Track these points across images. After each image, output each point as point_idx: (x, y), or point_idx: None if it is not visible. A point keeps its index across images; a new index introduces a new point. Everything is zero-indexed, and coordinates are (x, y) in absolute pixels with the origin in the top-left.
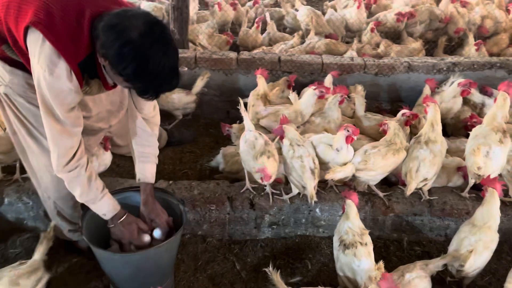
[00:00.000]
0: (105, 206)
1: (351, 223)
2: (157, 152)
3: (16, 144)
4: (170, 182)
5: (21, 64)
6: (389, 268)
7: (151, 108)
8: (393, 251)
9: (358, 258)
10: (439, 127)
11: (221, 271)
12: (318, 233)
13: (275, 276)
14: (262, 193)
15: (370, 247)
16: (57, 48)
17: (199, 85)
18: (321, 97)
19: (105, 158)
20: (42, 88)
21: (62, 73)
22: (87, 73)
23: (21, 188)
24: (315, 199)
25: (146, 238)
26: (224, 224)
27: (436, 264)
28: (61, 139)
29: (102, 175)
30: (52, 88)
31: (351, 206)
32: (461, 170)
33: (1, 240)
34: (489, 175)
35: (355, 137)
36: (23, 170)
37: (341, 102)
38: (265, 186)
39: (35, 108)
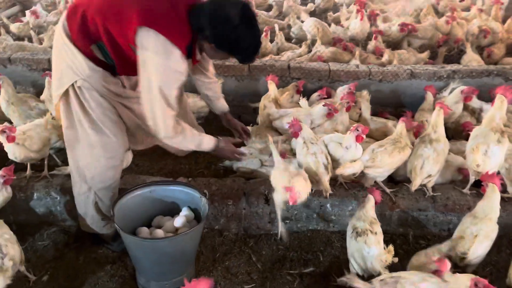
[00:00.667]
0: (209, 141)
1: (365, 211)
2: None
3: (69, 137)
4: (190, 179)
5: (102, 62)
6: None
7: (211, 67)
8: (399, 245)
9: (368, 245)
10: (441, 128)
11: (237, 262)
12: (329, 227)
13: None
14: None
15: (380, 236)
16: (170, 39)
17: None
18: (329, 115)
19: (128, 157)
20: (158, 75)
21: (177, 58)
22: (186, 55)
23: (49, 184)
24: (330, 191)
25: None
26: (240, 218)
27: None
28: (168, 112)
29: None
30: (170, 70)
31: (370, 199)
32: (462, 172)
33: (30, 233)
34: (487, 172)
35: (364, 136)
36: (50, 168)
37: (347, 109)
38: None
39: (106, 102)
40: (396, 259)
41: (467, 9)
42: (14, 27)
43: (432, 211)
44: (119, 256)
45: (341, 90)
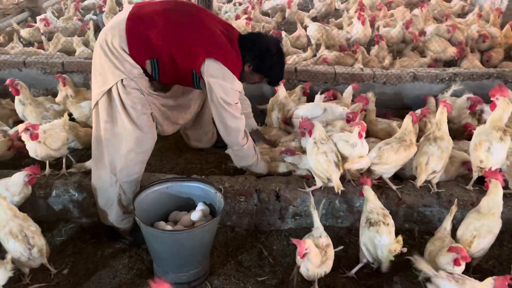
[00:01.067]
0: (263, 165)
1: (372, 203)
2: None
3: (107, 130)
4: (203, 176)
5: (147, 73)
6: (403, 254)
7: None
8: (405, 240)
9: (380, 234)
10: (445, 126)
11: (249, 257)
12: (337, 223)
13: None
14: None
15: (392, 228)
16: (232, 71)
17: None
18: (347, 121)
19: None
20: (224, 94)
21: (238, 84)
22: None
23: (68, 181)
24: (342, 188)
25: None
26: (251, 215)
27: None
28: (239, 123)
29: None
30: (233, 92)
31: (368, 190)
32: (466, 164)
33: (49, 229)
34: (490, 168)
35: (363, 133)
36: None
37: (361, 110)
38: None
39: (145, 100)
40: (405, 249)
41: (461, 15)
42: (24, 32)
43: (436, 207)
44: (135, 251)
45: (348, 93)
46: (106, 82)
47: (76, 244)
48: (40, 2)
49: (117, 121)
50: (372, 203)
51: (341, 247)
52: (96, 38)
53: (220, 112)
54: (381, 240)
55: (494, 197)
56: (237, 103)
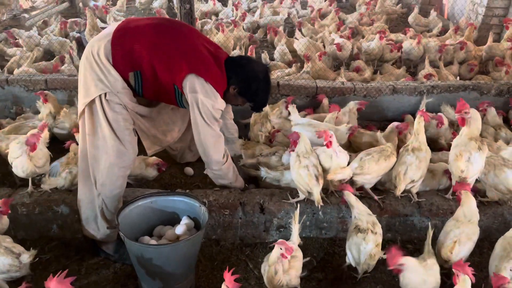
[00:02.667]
0: (241, 180)
1: (357, 208)
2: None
3: (90, 143)
4: (187, 190)
5: (131, 86)
6: (385, 264)
7: (231, 114)
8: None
9: (366, 242)
10: (423, 136)
11: (235, 270)
12: (321, 234)
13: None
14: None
15: (379, 238)
16: (215, 87)
17: None
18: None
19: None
20: (206, 111)
21: (220, 102)
22: None
23: (51, 198)
24: (321, 203)
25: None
26: (236, 228)
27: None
28: (218, 141)
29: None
30: (214, 110)
31: (349, 195)
32: (447, 172)
33: (31, 247)
34: (456, 182)
35: (330, 142)
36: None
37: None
38: None
39: (128, 115)
40: (385, 255)
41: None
42: (11, 50)
43: (417, 216)
44: (120, 266)
45: (355, 104)
46: (88, 94)
47: (60, 261)
48: (23, 21)
49: (98, 134)
50: (357, 209)
51: (306, 273)
52: (80, 56)
53: (199, 130)
54: (366, 247)
55: (468, 207)
56: (218, 122)
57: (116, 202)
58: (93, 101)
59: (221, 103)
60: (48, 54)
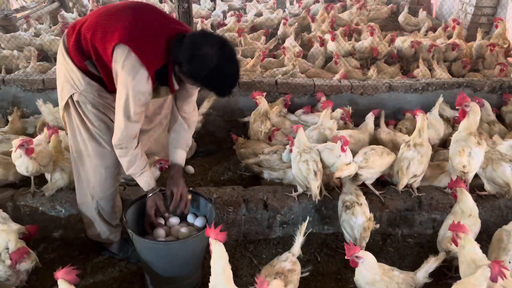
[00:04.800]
0: (142, 180)
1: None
2: (189, 143)
3: (73, 147)
4: (191, 188)
5: (97, 77)
6: (387, 258)
7: (191, 108)
8: (389, 243)
9: (355, 215)
10: (425, 134)
11: (240, 266)
12: (324, 230)
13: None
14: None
15: (366, 208)
16: (140, 58)
17: (205, 106)
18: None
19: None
20: (123, 89)
21: (143, 78)
22: (159, 80)
23: (54, 197)
24: (318, 197)
25: (160, 220)
26: (240, 225)
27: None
28: (127, 129)
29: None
30: (133, 89)
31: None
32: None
33: (35, 247)
34: (451, 179)
35: (346, 147)
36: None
37: (342, 119)
38: None
39: (101, 114)
40: (377, 225)
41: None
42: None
43: (418, 211)
44: (125, 265)
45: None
46: (62, 98)
47: (64, 261)
48: (14, 21)
49: (77, 138)
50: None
51: (310, 268)
52: None
53: (118, 107)
54: (356, 221)
55: (464, 203)
56: (141, 106)
57: (111, 202)
58: (68, 105)
59: (140, 83)
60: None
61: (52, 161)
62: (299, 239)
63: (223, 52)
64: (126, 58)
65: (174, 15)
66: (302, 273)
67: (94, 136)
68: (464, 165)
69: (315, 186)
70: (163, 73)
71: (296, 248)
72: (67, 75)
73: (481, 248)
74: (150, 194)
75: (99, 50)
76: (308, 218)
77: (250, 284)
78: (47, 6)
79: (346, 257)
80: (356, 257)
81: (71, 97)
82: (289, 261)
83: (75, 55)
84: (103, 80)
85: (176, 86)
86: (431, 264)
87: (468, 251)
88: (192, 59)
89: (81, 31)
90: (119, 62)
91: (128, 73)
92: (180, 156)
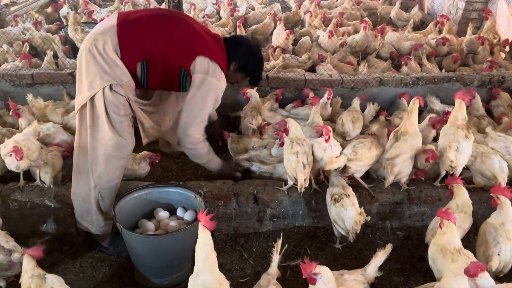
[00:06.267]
0: (217, 162)
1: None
2: None
3: (90, 135)
4: (181, 182)
5: (135, 76)
6: (376, 251)
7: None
8: (379, 236)
9: (345, 207)
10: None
11: (230, 259)
12: (314, 223)
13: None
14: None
15: (354, 199)
16: (220, 64)
17: None
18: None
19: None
20: (209, 91)
21: (223, 81)
22: None
23: (44, 192)
24: (303, 189)
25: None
26: (230, 218)
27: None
28: (201, 124)
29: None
30: (217, 89)
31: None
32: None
33: (24, 242)
34: (449, 176)
35: (327, 137)
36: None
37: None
38: None
39: (129, 108)
40: (368, 218)
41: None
42: None
43: (407, 204)
44: (115, 259)
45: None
46: (93, 87)
47: (54, 256)
48: (3, 16)
49: (99, 126)
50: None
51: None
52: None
53: (191, 108)
54: (346, 213)
55: (461, 198)
56: (216, 102)
57: (113, 193)
58: (95, 94)
59: (224, 83)
60: (32, 50)
61: (41, 155)
62: (275, 259)
63: (260, 50)
64: (211, 67)
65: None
66: (293, 266)
67: (115, 126)
68: (451, 160)
69: (301, 177)
70: None
71: (274, 269)
72: (106, 67)
73: (470, 240)
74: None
75: (168, 58)
76: (281, 236)
77: (240, 277)
78: (36, 0)
79: (304, 276)
80: (314, 274)
81: (105, 87)
82: (273, 284)
83: (130, 55)
84: (141, 80)
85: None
86: (379, 257)
87: (446, 237)
88: (244, 51)
89: (143, 37)
90: (205, 72)
91: (217, 79)
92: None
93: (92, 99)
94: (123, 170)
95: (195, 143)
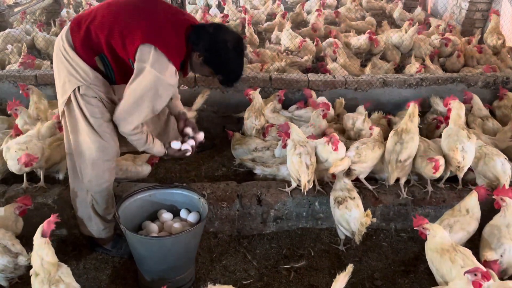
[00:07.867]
0: (157, 148)
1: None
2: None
3: (72, 141)
4: (184, 184)
5: (102, 72)
6: (381, 253)
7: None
8: (383, 238)
9: (349, 209)
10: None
11: (234, 261)
12: (318, 225)
13: None
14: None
15: (359, 200)
16: (167, 55)
17: (199, 102)
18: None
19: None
20: (151, 84)
21: (171, 73)
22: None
23: (47, 193)
24: (307, 189)
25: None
26: (233, 220)
27: None
28: (145, 118)
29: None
30: (157, 81)
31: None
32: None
33: (28, 244)
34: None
35: (337, 145)
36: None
37: (324, 116)
38: None
39: (104, 108)
40: (374, 219)
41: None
42: None
43: (411, 205)
44: (119, 261)
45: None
46: (65, 91)
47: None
48: (7, 17)
49: (80, 131)
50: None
51: (304, 263)
52: None
53: (128, 101)
54: (351, 215)
55: (470, 201)
56: (156, 96)
57: (105, 196)
58: (69, 99)
59: (170, 76)
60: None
61: (44, 156)
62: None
63: (239, 44)
64: (153, 56)
65: None
66: (296, 268)
67: (96, 129)
68: (459, 161)
69: (305, 178)
70: (183, 61)
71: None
72: (71, 69)
73: (474, 242)
74: (166, 151)
75: (117, 49)
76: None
77: (243, 279)
78: (40, 2)
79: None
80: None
81: (75, 90)
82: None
83: (84, 51)
84: (108, 75)
85: (189, 70)
86: (340, 283)
87: (438, 239)
88: (213, 41)
89: (91, 28)
90: (146, 60)
91: (158, 70)
92: (180, 107)
93: (68, 104)
94: (112, 172)
95: (128, 134)
